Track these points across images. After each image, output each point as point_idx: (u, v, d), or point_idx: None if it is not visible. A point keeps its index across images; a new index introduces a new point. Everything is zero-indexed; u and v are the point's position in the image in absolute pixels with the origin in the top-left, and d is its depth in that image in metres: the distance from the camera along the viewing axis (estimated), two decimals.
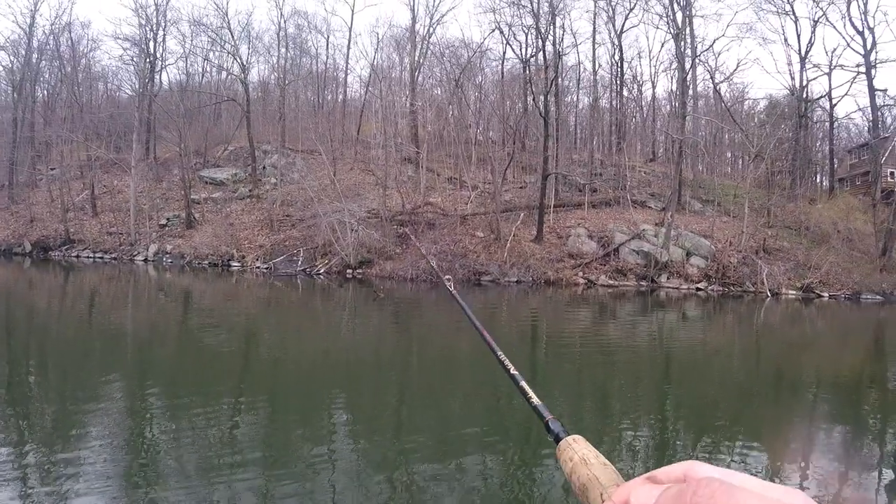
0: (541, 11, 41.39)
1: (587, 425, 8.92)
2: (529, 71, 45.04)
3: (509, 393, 9.83)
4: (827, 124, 49.26)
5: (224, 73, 58.92)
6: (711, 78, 49.59)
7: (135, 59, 53.21)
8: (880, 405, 11.45)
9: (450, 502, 6.15)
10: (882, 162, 41.84)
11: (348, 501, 5.95)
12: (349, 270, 34.19)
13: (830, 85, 48.10)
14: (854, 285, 32.08)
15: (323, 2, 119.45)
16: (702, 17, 70.75)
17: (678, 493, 0.51)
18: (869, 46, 39.03)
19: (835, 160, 50.99)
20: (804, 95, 45.20)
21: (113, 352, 13.06)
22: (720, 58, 70.12)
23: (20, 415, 8.23)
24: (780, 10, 45.74)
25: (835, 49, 68.79)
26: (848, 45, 48.92)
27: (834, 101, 46.12)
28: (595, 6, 49.07)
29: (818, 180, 53.56)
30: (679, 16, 41.89)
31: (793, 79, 46.51)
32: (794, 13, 45.21)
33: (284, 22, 57.36)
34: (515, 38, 50.09)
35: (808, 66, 44.75)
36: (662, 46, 68.93)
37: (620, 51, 50.99)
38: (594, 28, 50.53)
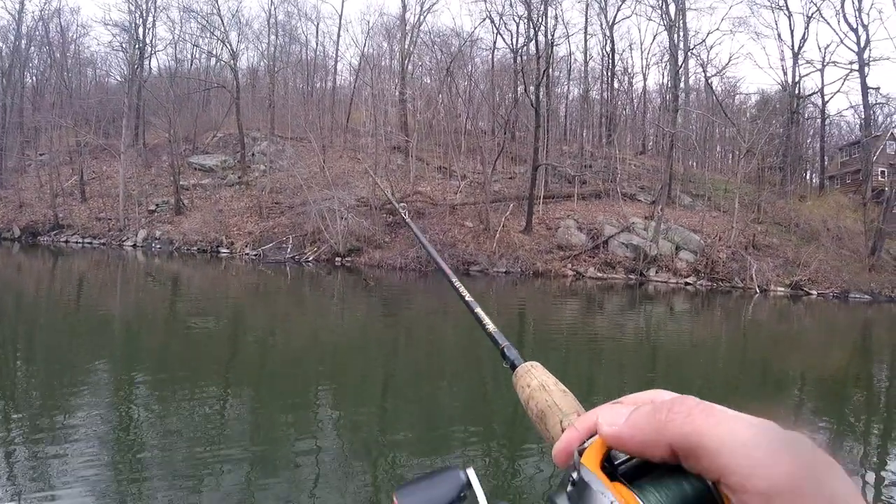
0: (532, 1, 41.22)
1: None
2: (522, 61, 44.84)
3: (496, 378, 9.84)
4: (818, 121, 49.39)
5: (213, 60, 58.39)
6: (703, 71, 49.65)
7: (124, 45, 52.83)
8: (864, 403, 11.53)
9: None
10: (873, 160, 41.96)
11: (333, 488, 5.91)
12: (338, 258, 34.09)
13: (823, 81, 47.96)
14: (843, 284, 32.18)
15: None
16: (695, 10, 70.83)
17: (651, 411, 0.48)
18: (862, 44, 39.09)
19: (825, 157, 51.10)
20: (796, 91, 45.30)
21: (100, 337, 12.99)
22: (712, 51, 69.79)
23: (5, 399, 8.16)
24: (774, 5, 45.90)
25: (828, 45, 68.61)
26: (841, 41, 49.37)
27: (826, 98, 46.38)
28: None
29: (808, 177, 53.58)
30: (672, 8, 41.89)
31: (785, 74, 46.71)
32: (787, 8, 45.40)
33: (274, 9, 56.88)
34: (506, 28, 49.98)
35: (800, 61, 44.93)
36: (654, 39, 69.03)
37: (612, 42, 51.02)
38: (586, 18, 50.37)
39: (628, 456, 0.50)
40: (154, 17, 53.31)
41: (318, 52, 62.92)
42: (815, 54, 77.07)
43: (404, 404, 9.42)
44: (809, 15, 43.21)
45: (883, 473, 7.49)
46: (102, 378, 9.71)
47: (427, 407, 9.24)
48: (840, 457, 7.49)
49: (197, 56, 60.10)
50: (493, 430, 8.14)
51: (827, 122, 49.66)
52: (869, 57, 39.55)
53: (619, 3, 48.84)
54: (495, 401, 9.34)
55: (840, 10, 40.63)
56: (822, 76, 51.73)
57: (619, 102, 55.58)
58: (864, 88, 39.54)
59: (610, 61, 51.44)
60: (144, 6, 51.23)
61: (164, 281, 26.10)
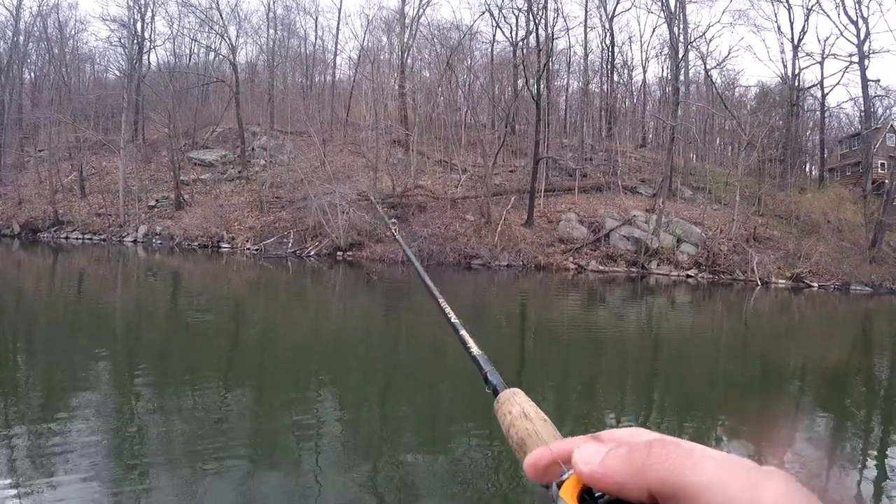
0: None
1: (571, 407, 8.96)
2: (521, 54, 44.70)
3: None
4: (818, 113, 49.26)
5: (213, 55, 58.24)
6: (703, 64, 49.51)
7: (123, 40, 52.54)
8: (865, 395, 11.54)
9: (434, 486, 6.14)
10: (873, 153, 41.91)
11: (334, 483, 5.92)
12: (339, 253, 34.08)
13: (822, 74, 47.94)
14: (843, 276, 32.25)
15: None
16: (695, 2, 70.57)
17: (628, 452, 0.48)
18: (862, 36, 39.05)
19: (825, 150, 50.99)
20: (796, 84, 45.18)
21: (101, 333, 12.97)
22: (712, 44, 69.70)
23: (6, 394, 8.16)
24: None
25: (828, 38, 68.66)
26: (841, 34, 49.19)
27: (826, 91, 46.22)
28: None
29: (808, 170, 53.51)
30: (672, 1, 41.75)
31: (785, 67, 46.61)
32: (787, 1, 45.16)
33: (273, 3, 56.75)
34: (506, 21, 49.75)
35: (800, 54, 44.79)
36: (654, 31, 68.77)
37: (611, 35, 50.84)
38: (586, 11, 50.06)
39: None
40: (153, 11, 53.17)
41: (317, 47, 62.84)
42: (814, 47, 76.86)
43: (406, 398, 9.42)
44: (809, 7, 43.13)
45: (883, 464, 7.49)
46: (103, 373, 9.70)
47: (429, 401, 9.24)
48: (840, 448, 7.52)
49: (196, 51, 59.98)
50: (496, 425, 8.12)
51: (827, 114, 49.60)
52: (869, 49, 39.52)
53: None
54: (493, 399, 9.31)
55: (840, 3, 40.59)
56: (822, 68, 51.46)
57: (619, 95, 55.49)
58: (864, 81, 39.53)
59: (609, 54, 51.27)
60: (143, 1, 51.09)
61: (165, 276, 26.11)
